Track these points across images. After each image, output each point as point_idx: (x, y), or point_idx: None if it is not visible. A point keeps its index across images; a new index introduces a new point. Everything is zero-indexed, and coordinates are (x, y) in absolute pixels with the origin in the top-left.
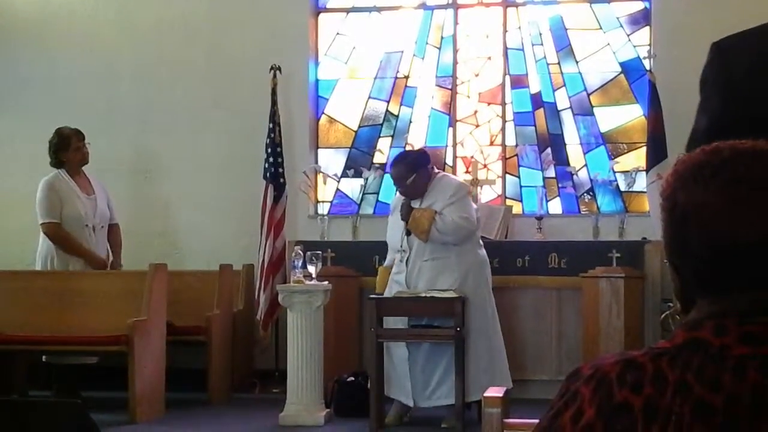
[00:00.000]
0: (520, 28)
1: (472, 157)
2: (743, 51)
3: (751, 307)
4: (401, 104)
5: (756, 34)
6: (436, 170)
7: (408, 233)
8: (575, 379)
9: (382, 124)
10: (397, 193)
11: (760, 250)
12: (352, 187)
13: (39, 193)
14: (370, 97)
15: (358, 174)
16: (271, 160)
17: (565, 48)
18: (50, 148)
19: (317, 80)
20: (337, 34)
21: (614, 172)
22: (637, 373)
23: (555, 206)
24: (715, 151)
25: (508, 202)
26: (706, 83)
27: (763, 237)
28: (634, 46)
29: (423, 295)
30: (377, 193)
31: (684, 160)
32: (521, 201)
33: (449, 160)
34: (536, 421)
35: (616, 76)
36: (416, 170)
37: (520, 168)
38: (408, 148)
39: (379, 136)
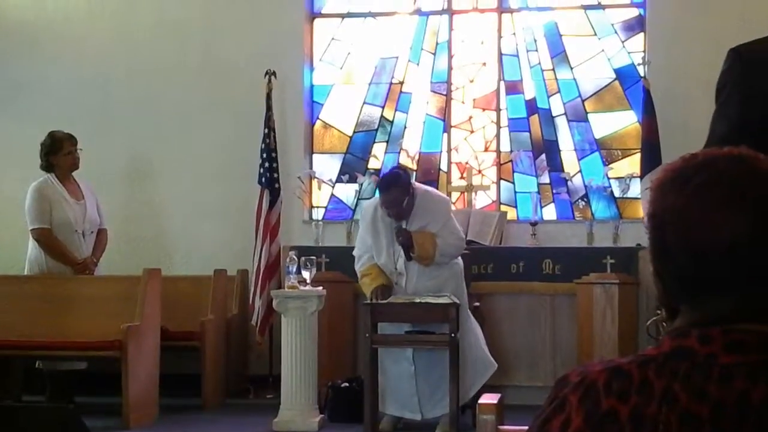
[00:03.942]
0: (514, 34)
1: (466, 162)
2: (762, 58)
3: (733, 312)
4: (396, 110)
5: None
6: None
7: (409, 258)
8: (563, 386)
9: (376, 130)
10: (370, 205)
11: (737, 253)
12: (347, 192)
13: (28, 199)
14: (364, 103)
15: (352, 179)
16: (266, 165)
17: (559, 54)
18: (41, 151)
19: (312, 85)
20: (332, 39)
21: (608, 179)
22: (624, 381)
23: (549, 212)
24: (691, 158)
25: (503, 207)
26: (725, 88)
27: (740, 240)
28: (629, 53)
29: (417, 300)
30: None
31: (665, 168)
32: (516, 207)
33: (444, 166)
34: None
35: (610, 83)
36: (409, 192)
37: (515, 174)
38: (388, 169)
39: (374, 142)
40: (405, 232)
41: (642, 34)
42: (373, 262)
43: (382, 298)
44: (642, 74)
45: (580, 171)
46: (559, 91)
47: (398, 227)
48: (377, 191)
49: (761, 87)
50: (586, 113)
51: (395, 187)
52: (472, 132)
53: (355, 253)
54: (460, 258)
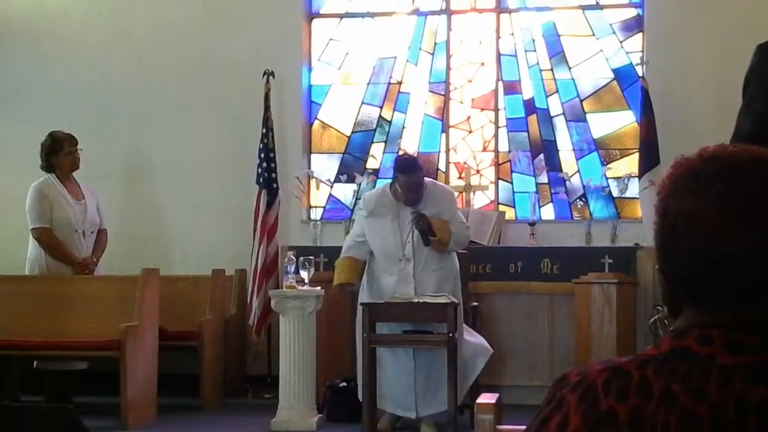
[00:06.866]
0: (513, 34)
1: (465, 162)
2: None
3: (736, 320)
4: (394, 110)
5: None
6: None
7: (427, 243)
8: (562, 385)
9: (375, 130)
10: (374, 193)
11: (748, 262)
12: (345, 192)
13: (29, 199)
14: (363, 103)
15: (351, 179)
16: (264, 165)
17: (558, 54)
18: (42, 151)
19: (310, 86)
20: (331, 39)
21: (607, 179)
22: (623, 381)
23: (548, 212)
24: (712, 159)
25: (501, 207)
26: (751, 85)
27: (753, 249)
28: (627, 53)
29: (415, 300)
30: None
31: (681, 163)
32: (514, 207)
33: (442, 166)
34: None
35: (608, 83)
36: (424, 176)
37: (513, 174)
38: (401, 152)
39: (372, 142)
40: (424, 218)
41: (640, 34)
42: (351, 254)
43: (342, 295)
44: (640, 74)
45: (579, 171)
46: (557, 91)
47: (417, 212)
48: (398, 174)
49: None
50: (585, 113)
51: (417, 170)
52: (470, 132)
53: (345, 241)
54: (456, 260)
